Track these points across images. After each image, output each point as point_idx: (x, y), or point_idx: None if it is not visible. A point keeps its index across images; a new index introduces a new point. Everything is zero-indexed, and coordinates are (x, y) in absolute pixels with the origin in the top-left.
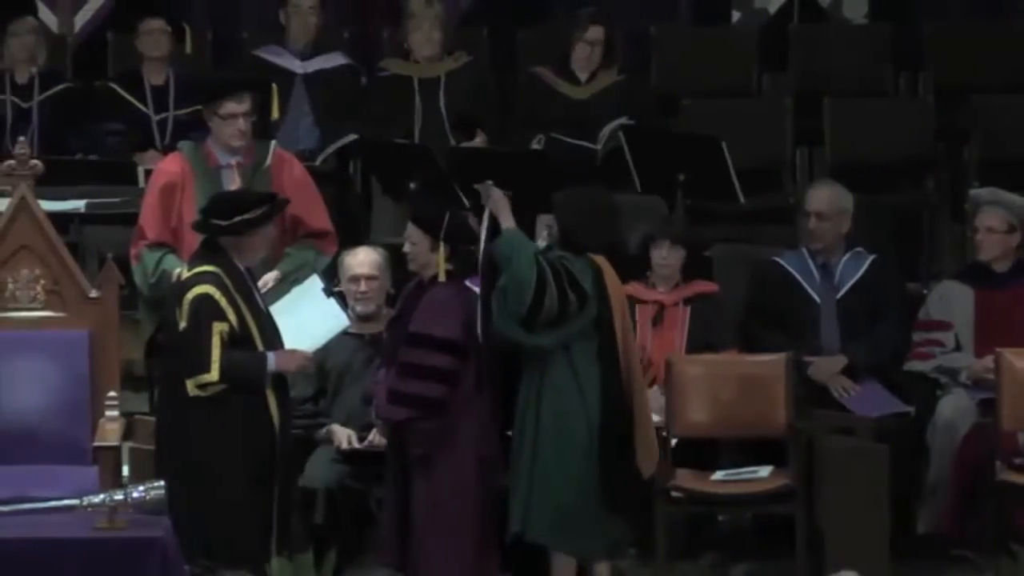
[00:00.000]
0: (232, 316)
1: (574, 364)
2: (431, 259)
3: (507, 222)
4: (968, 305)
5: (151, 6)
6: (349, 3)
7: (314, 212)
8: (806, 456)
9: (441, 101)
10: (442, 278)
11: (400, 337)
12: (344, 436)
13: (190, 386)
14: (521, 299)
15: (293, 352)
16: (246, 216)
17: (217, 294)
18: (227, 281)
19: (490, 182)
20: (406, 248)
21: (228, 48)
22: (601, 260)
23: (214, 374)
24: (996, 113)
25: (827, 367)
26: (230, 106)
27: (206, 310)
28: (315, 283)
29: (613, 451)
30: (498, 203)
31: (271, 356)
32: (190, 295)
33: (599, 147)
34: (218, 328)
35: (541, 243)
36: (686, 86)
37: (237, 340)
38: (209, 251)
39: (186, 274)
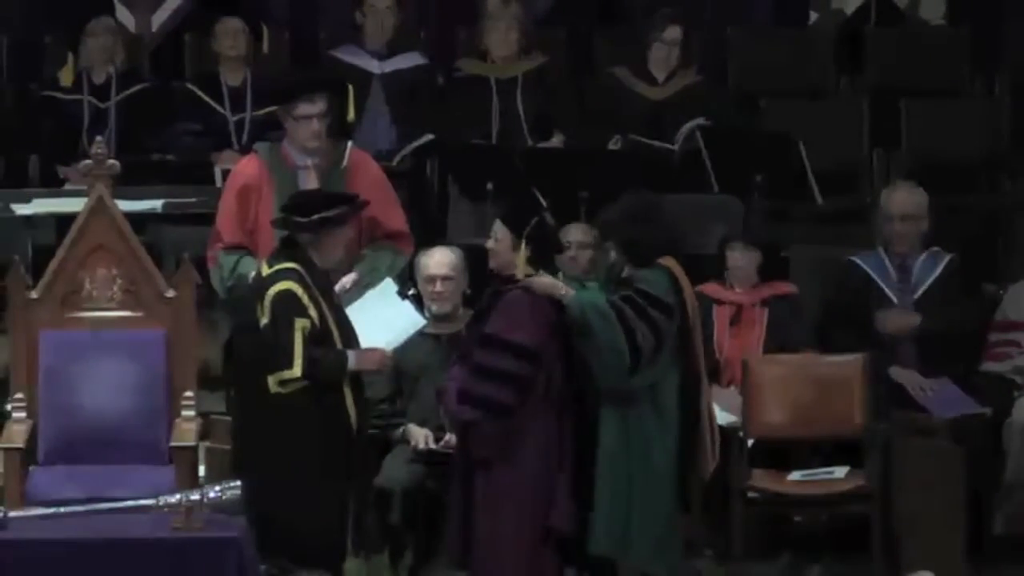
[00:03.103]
0: (313, 313)
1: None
2: (512, 258)
3: (559, 291)
4: None
5: (229, 6)
6: (426, 3)
7: (390, 213)
8: (883, 457)
9: (518, 101)
10: (520, 276)
11: (477, 337)
12: (420, 436)
13: (271, 382)
14: (620, 357)
15: (372, 350)
16: (326, 214)
17: (299, 290)
18: (307, 278)
19: (532, 281)
20: (489, 244)
21: (305, 48)
22: (671, 263)
23: (297, 370)
24: None
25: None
26: (303, 108)
27: (289, 306)
28: (389, 286)
29: (688, 465)
30: (543, 286)
31: (351, 354)
32: (272, 291)
33: (676, 148)
34: (300, 324)
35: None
36: (763, 87)
37: (317, 337)
38: (288, 249)
39: (266, 271)
